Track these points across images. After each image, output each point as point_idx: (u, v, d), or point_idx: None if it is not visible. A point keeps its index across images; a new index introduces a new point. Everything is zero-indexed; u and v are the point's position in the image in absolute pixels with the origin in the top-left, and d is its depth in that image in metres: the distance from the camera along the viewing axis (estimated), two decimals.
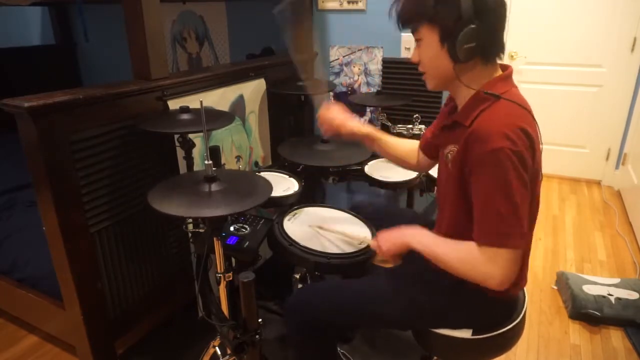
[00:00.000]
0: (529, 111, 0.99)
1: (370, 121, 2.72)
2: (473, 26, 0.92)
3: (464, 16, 0.92)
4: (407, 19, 1.03)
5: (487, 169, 0.92)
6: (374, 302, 1.16)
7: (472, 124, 0.97)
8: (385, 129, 2.36)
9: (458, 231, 1.04)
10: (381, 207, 1.51)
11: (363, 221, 1.50)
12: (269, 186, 1.23)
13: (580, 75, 3.22)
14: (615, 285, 2.01)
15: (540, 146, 1.00)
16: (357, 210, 1.55)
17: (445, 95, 2.59)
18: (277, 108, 2.34)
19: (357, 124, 1.37)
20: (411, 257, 1.26)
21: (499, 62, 1.05)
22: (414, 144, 1.40)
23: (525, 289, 1.23)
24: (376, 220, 1.47)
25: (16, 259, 1.82)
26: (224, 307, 1.35)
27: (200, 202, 1.11)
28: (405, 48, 2.46)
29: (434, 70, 1.05)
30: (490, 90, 0.99)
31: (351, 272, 1.29)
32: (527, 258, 1.09)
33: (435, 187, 1.95)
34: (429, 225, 1.32)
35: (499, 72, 1.05)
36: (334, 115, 1.38)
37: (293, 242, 1.32)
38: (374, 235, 1.41)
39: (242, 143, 2.14)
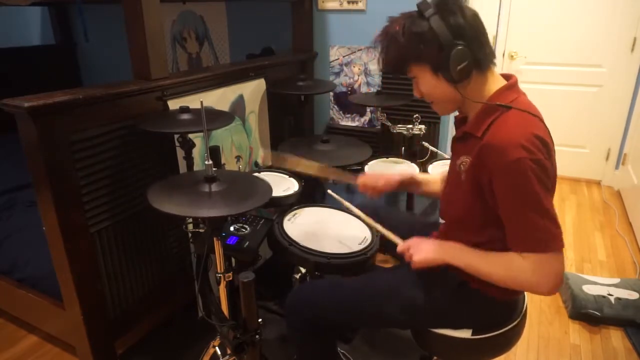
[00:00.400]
0: (539, 118, 0.99)
1: (370, 121, 2.72)
2: (459, 47, 0.95)
3: (445, 43, 0.96)
4: (395, 67, 1.07)
5: (509, 181, 0.92)
6: (373, 301, 1.16)
7: (485, 136, 0.97)
8: (385, 128, 2.36)
9: (475, 237, 1.05)
10: (379, 209, 1.50)
11: (362, 221, 1.50)
12: (268, 188, 1.23)
13: (580, 75, 3.22)
14: (615, 285, 2.01)
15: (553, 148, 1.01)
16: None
17: None
18: (277, 108, 2.34)
19: (396, 178, 1.37)
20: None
21: (495, 68, 1.06)
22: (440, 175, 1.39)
23: None
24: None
25: (16, 259, 1.82)
26: (224, 307, 1.35)
27: (200, 202, 1.11)
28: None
29: (440, 99, 1.07)
30: (499, 100, 1.00)
31: (351, 272, 1.29)
32: None
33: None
34: (428, 227, 1.32)
35: (500, 79, 1.05)
36: (375, 182, 1.37)
37: (293, 242, 1.32)
38: (374, 234, 1.41)
39: (242, 143, 2.14)
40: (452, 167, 1.13)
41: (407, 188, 1.42)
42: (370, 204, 1.53)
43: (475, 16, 1.00)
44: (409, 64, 1.04)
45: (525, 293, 1.22)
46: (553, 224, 0.92)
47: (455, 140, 1.15)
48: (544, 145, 0.93)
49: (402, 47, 1.01)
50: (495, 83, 1.04)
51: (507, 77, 1.07)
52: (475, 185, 1.00)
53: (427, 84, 1.04)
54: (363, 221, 1.48)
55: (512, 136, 0.92)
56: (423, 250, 1.10)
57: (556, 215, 0.93)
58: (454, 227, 1.15)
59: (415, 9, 1.02)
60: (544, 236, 0.92)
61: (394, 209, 2.26)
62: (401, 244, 1.17)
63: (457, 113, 1.18)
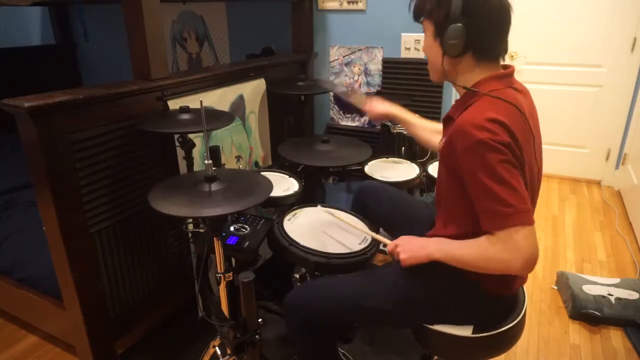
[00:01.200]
0: (516, 107, 0.99)
1: (370, 121, 2.72)
2: (459, 24, 0.99)
3: (452, 15, 1.00)
4: (414, 14, 1.13)
5: (472, 160, 0.95)
6: (372, 300, 1.16)
7: (458, 118, 1.01)
8: (385, 129, 2.36)
9: (455, 221, 1.08)
10: (395, 196, 1.52)
11: (363, 221, 1.50)
12: (269, 185, 1.23)
13: (580, 75, 3.22)
14: (615, 285, 2.01)
15: (531, 138, 1.02)
16: (363, 201, 1.57)
17: (446, 94, 2.59)
18: (277, 108, 2.34)
19: (386, 107, 1.61)
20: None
21: (502, 63, 1.08)
22: (438, 126, 1.46)
23: (525, 288, 1.23)
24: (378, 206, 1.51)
25: (16, 259, 1.82)
26: (224, 307, 1.35)
27: (200, 202, 1.11)
28: (405, 48, 2.46)
29: (430, 62, 1.14)
30: (480, 87, 1.03)
31: (351, 273, 1.29)
32: None
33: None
34: (425, 222, 1.33)
35: (495, 72, 1.06)
36: (375, 108, 1.62)
37: (293, 242, 1.32)
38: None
39: (242, 143, 2.14)
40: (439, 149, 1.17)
41: (399, 123, 1.64)
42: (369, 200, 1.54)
43: (497, 11, 1.01)
44: (422, 16, 1.10)
45: (525, 293, 1.22)
46: (516, 197, 0.92)
47: (442, 122, 1.19)
48: (507, 130, 0.94)
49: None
50: (488, 72, 1.05)
51: (505, 67, 1.09)
52: (449, 164, 1.05)
53: (428, 42, 1.11)
54: (365, 221, 1.49)
55: (474, 119, 0.96)
56: (409, 250, 1.13)
57: (524, 192, 0.94)
58: (442, 214, 1.16)
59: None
60: (505, 210, 0.92)
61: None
62: (390, 245, 1.19)
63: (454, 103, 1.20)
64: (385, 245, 1.24)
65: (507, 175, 0.92)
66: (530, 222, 0.93)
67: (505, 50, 1.07)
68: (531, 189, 1.03)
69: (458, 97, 1.14)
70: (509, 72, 1.07)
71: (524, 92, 1.10)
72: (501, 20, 1.02)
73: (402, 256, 1.13)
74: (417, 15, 1.12)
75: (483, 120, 0.94)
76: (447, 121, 1.12)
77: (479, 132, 0.93)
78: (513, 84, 1.07)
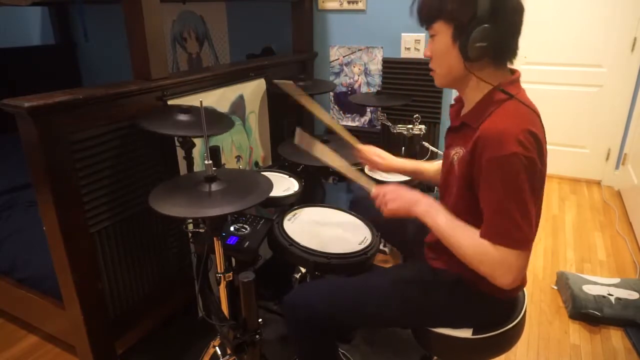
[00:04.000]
0: (537, 114, 0.99)
1: (370, 121, 2.72)
2: (487, 26, 0.94)
3: (479, 15, 0.94)
4: (426, 14, 1.04)
5: (499, 174, 0.92)
6: (372, 301, 1.16)
7: (481, 126, 0.97)
8: (385, 128, 2.36)
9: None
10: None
11: (363, 221, 1.50)
12: (269, 184, 1.23)
13: (580, 75, 3.22)
14: (615, 285, 2.01)
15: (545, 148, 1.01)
16: (357, 206, 1.55)
17: (446, 94, 2.59)
18: (277, 108, 2.34)
19: (396, 165, 1.41)
20: (412, 250, 1.26)
21: (509, 66, 1.06)
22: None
23: (525, 289, 1.23)
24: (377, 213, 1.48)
25: (16, 259, 1.82)
26: (224, 307, 1.35)
27: (200, 202, 1.11)
28: (405, 48, 2.46)
29: (443, 67, 1.05)
30: (497, 94, 0.99)
31: (351, 273, 1.29)
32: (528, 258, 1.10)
33: (436, 187, 1.95)
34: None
35: (508, 75, 1.05)
36: (375, 162, 1.42)
37: (293, 242, 1.32)
38: (374, 236, 1.41)
39: (242, 143, 2.14)
40: (446, 158, 1.13)
41: (410, 175, 1.46)
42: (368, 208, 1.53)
43: (519, 13, 0.99)
44: (438, 18, 1.00)
45: (525, 293, 1.22)
46: (529, 225, 0.94)
47: (450, 130, 1.14)
48: (537, 143, 0.93)
49: None
50: (502, 77, 1.03)
51: (512, 72, 1.07)
52: (467, 176, 1.01)
53: (442, 46, 1.02)
54: (366, 220, 1.49)
55: (509, 129, 0.92)
56: (397, 200, 1.10)
57: (534, 219, 0.95)
58: None
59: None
60: (518, 235, 0.93)
61: None
62: (375, 189, 1.16)
63: (452, 102, 1.17)
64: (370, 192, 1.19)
65: (527, 199, 0.92)
66: (529, 249, 0.95)
67: (516, 53, 1.03)
68: (542, 196, 1.03)
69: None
70: (517, 76, 1.05)
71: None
72: (520, 21, 1.00)
73: (390, 205, 1.10)
74: (432, 17, 1.02)
75: (520, 131, 0.91)
76: (460, 129, 1.07)
77: (513, 145, 0.89)
78: (522, 89, 1.05)
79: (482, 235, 0.97)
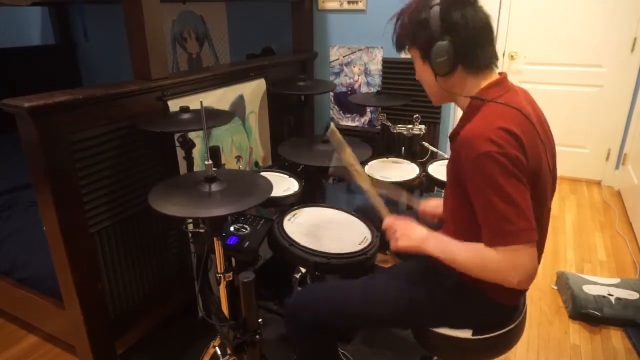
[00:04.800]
0: (520, 111, 0.98)
1: (370, 121, 2.72)
2: (443, 42, 1.00)
3: (434, 35, 1.01)
4: (396, 43, 1.13)
5: (477, 175, 0.94)
6: (373, 303, 1.16)
7: (460, 132, 0.99)
8: (385, 128, 2.36)
9: (461, 235, 1.05)
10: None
11: (363, 221, 1.50)
12: (269, 185, 1.23)
13: (580, 75, 3.22)
14: (616, 285, 2.01)
15: (543, 148, 1.01)
16: (360, 212, 1.55)
17: None
18: (277, 108, 2.34)
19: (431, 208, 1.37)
20: (411, 256, 1.26)
21: (497, 71, 1.07)
22: None
23: None
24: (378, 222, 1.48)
25: (16, 259, 1.82)
26: (224, 307, 1.35)
27: (200, 202, 1.11)
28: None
29: (425, 86, 1.14)
30: (482, 96, 1.02)
31: (351, 272, 1.29)
32: (538, 262, 1.08)
33: (436, 186, 1.95)
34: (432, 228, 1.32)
35: (494, 79, 1.06)
36: (434, 210, 1.37)
37: (293, 242, 1.32)
38: (374, 236, 1.41)
39: (242, 143, 2.14)
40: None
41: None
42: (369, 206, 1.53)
43: (483, 18, 1.02)
44: (406, 45, 1.10)
45: (526, 294, 1.22)
46: (520, 215, 0.92)
47: (449, 139, 1.17)
48: (515, 139, 0.93)
49: (404, 26, 1.08)
50: (485, 82, 1.04)
51: (499, 74, 1.08)
52: (456, 182, 1.03)
53: (418, 68, 1.11)
54: (366, 220, 1.48)
55: (480, 129, 0.94)
56: (406, 236, 1.12)
57: (529, 208, 0.93)
58: (447, 228, 1.15)
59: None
60: (512, 228, 0.92)
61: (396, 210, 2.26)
62: (388, 221, 1.18)
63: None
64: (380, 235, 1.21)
65: (512, 192, 0.91)
66: (533, 240, 0.93)
67: (496, 57, 1.06)
68: (544, 197, 1.02)
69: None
70: (502, 78, 1.06)
71: (524, 93, 1.09)
72: (482, 30, 1.02)
73: (400, 243, 1.12)
74: (401, 46, 1.12)
75: (491, 131, 0.92)
76: (454, 138, 1.08)
77: (484, 144, 0.91)
78: (511, 87, 1.06)
79: (485, 244, 0.96)
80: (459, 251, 1.02)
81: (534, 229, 0.93)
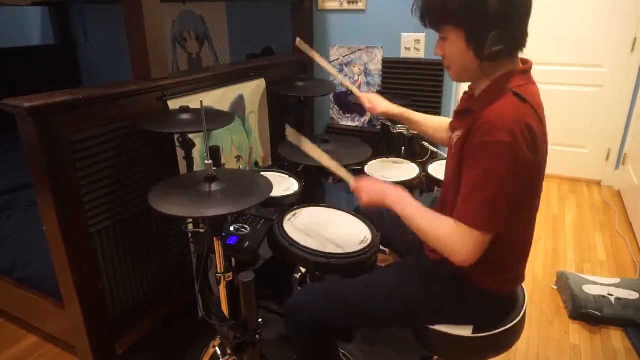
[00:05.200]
0: (534, 109, 0.99)
1: (370, 121, 2.72)
2: (501, 31, 0.94)
3: (491, 21, 0.93)
4: (433, 19, 1.02)
5: (483, 157, 0.94)
6: (373, 301, 1.16)
7: (483, 112, 0.97)
8: (385, 128, 2.36)
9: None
10: (385, 213, 1.51)
11: (363, 221, 1.50)
12: (269, 185, 1.23)
13: (580, 75, 3.22)
14: (616, 285, 2.01)
15: (546, 145, 1.02)
16: (361, 212, 1.56)
17: (446, 94, 2.59)
18: (277, 108, 2.34)
19: (395, 111, 1.55)
20: (411, 253, 1.27)
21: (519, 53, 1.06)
22: (444, 120, 1.46)
23: (525, 288, 1.23)
24: (379, 222, 1.48)
25: (16, 259, 1.82)
26: (224, 307, 1.35)
27: (200, 202, 1.11)
28: (405, 48, 2.46)
29: (460, 68, 1.05)
30: (509, 83, 1.00)
31: (351, 272, 1.29)
32: (528, 254, 1.11)
33: (436, 186, 1.95)
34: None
35: (518, 62, 1.05)
36: (376, 102, 1.58)
37: (293, 242, 1.32)
38: (374, 236, 1.41)
39: (242, 143, 2.14)
40: (450, 141, 1.16)
41: (404, 122, 1.58)
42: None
43: (527, 5, 0.99)
44: (449, 23, 0.99)
45: (525, 293, 1.22)
46: (500, 210, 0.95)
47: (456, 114, 1.16)
48: (532, 137, 0.94)
49: (453, 3, 0.95)
50: (512, 65, 1.04)
51: (523, 61, 1.07)
52: (458, 158, 1.03)
53: (456, 49, 1.01)
54: (367, 221, 1.48)
55: (504, 118, 0.93)
56: (370, 194, 1.16)
57: (506, 207, 0.96)
58: (447, 205, 1.15)
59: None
60: (486, 215, 0.95)
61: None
62: (353, 183, 1.22)
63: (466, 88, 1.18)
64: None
65: (507, 186, 0.93)
66: (488, 233, 0.97)
67: (526, 38, 1.03)
68: (540, 191, 1.04)
69: (458, 95, 1.13)
70: (529, 67, 1.05)
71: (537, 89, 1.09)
72: (529, 12, 0.99)
73: (364, 197, 1.17)
74: (440, 22, 1.01)
75: (514, 123, 0.92)
76: (465, 113, 1.08)
77: (505, 134, 0.91)
78: (532, 79, 1.06)
79: (454, 215, 0.99)
80: (422, 214, 1.06)
81: (499, 224, 0.97)
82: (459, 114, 1.13)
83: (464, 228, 0.97)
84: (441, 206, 1.17)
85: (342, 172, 1.28)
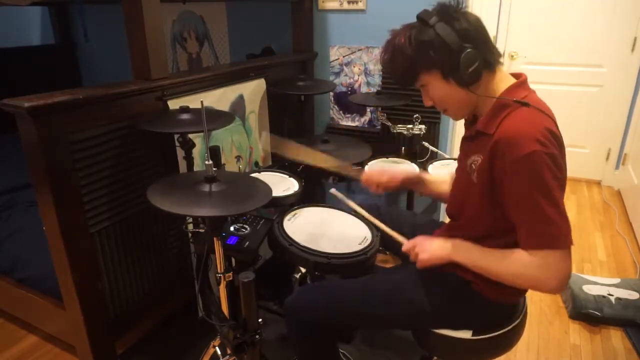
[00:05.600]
0: (549, 116, 0.99)
1: (370, 121, 2.72)
2: (468, 50, 0.96)
3: (454, 48, 0.97)
4: (405, 79, 1.07)
5: (523, 174, 0.92)
6: (373, 303, 1.16)
7: (497, 131, 0.97)
8: (385, 128, 2.36)
9: (483, 236, 1.05)
10: (380, 208, 1.50)
11: (363, 221, 1.50)
12: (268, 189, 1.23)
13: (580, 75, 3.22)
14: (616, 285, 2.01)
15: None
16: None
17: None
18: (277, 108, 2.34)
19: (400, 176, 1.38)
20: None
21: (502, 67, 1.07)
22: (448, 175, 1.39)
23: None
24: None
25: (16, 259, 1.82)
26: (224, 307, 1.35)
27: (200, 202, 1.11)
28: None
29: (453, 104, 1.08)
30: (511, 97, 1.00)
31: (351, 272, 1.29)
32: None
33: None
34: (430, 226, 1.32)
35: (509, 77, 1.06)
36: (379, 177, 1.38)
37: (293, 242, 1.32)
38: (374, 236, 1.41)
39: (242, 143, 2.14)
40: (462, 167, 1.13)
41: (411, 186, 1.42)
42: (371, 203, 1.53)
43: (477, 19, 1.01)
44: (418, 74, 1.04)
45: (525, 294, 1.22)
46: (563, 219, 0.92)
47: (465, 139, 1.15)
48: (556, 140, 0.94)
49: (411, 57, 1.02)
50: (504, 81, 1.04)
51: (516, 75, 1.07)
52: (487, 184, 1.00)
53: (439, 90, 1.05)
54: (367, 221, 1.48)
55: (526, 130, 0.92)
56: (429, 249, 1.10)
57: (566, 211, 0.93)
58: (461, 226, 1.14)
59: (414, 16, 1.03)
60: (554, 232, 0.92)
61: (395, 207, 2.26)
62: (407, 243, 1.16)
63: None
64: (400, 244, 1.20)
65: (557, 195, 0.91)
66: (570, 245, 0.93)
67: (499, 52, 1.06)
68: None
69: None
70: (524, 79, 1.06)
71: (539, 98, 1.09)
72: (483, 28, 1.02)
73: (422, 257, 1.10)
74: (412, 78, 1.06)
75: (538, 131, 0.91)
76: (476, 138, 1.07)
77: (532, 144, 0.90)
78: (530, 89, 1.06)
79: (523, 247, 0.95)
80: (488, 260, 1.01)
81: (570, 232, 0.93)
82: (468, 139, 1.12)
83: (540, 254, 0.92)
84: (454, 228, 1.16)
85: (391, 232, 1.23)
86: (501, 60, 1.06)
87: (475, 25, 1.00)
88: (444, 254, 1.08)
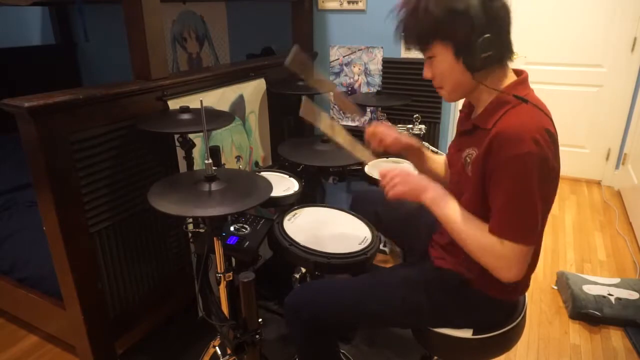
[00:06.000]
0: (547, 114, 0.99)
1: (370, 121, 2.72)
2: (488, 36, 0.93)
3: (477, 28, 0.92)
4: (419, 39, 1.01)
5: (513, 172, 0.92)
6: (373, 301, 1.16)
7: (495, 127, 0.97)
8: None
9: None
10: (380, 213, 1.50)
11: (363, 221, 1.50)
12: (269, 186, 1.23)
13: (580, 75, 3.22)
14: (616, 285, 2.01)
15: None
16: (358, 204, 1.55)
17: None
18: (277, 108, 2.34)
19: (405, 140, 1.34)
20: (412, 257, 1.26)
21: (510, 63, 1.05)
22: (443, 158, 1.39)
23: None
24: (374, 206, 1.48)
25: (16, 259, 1.82)
26: (224, 307, 1.35)
27: (200, 202, 1.11)
28: (406, 48, 2.45)
29: (452, 84, 1.04)
30: (510, 92, 0.99)
31: (351, 272, 1.29)
32: (537, 262, 1.09)
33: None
34: (429, 226, 1.32)
35: (512, 74, 1.05)
36: (384, 135, 1.34)
37: (293, 242, 1.32)
38: (374, 236, 1.41)
39: (242, 143, 2.14)
40: (456, 160, 1.13)
41: (410, 156, 1.39)
42: (370, 203, 1.53)
43: (509, 11, 0.97)
44: (434, 40, 0.98)
45: (526, 294, 1.22)
46: (537, 220, 0.95)
47: (460, 133, 1.14)
48: (553, 142, 0.94)
49: (436, 19, 0.94)
50: (507, 77, 1.03)
51: (517, 72, 1.06)
52: (480, 177, 1.00)
53: (445, 65, 1.00)
54: (367, 221, 1.48)
55: (524, 129, 0.92)
56: (408, 184, 1.07)
57: (541, 214, 0.95)
58: None
59: None
60: (526, 229, 0.94)
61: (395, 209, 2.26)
62: (385, 169, 1.12)
63: (461, 107, 1.17)
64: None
65: (535, 198, 0.93)
66: (533, 245, 0.96)
67: (512, 47, 1.02)
68: (553, 199, 1.04)
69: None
70: (525, 76, 1.05)
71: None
72: (509, 14, 0.98)
73: (401, 188, 1.07)
74: (427, 40, 0.99)
75: (537, 130, 0.91)
76: (472, 132, 1.06)
77: (529, 144, 0.90)
78: (530, 88, 1.05)
79: (491, 231, 0.97)
80: (462, 219, 1.01)
81: (540, 235, 0.96)
82: (465, 132, 1.11)
83: (510, 245, 0.94)
84: None
85: (363, 152, 1.19)
86: (513, 58, 1.03)
87: (504, 11, 0.96)
88: (418, 192, 1.06)
